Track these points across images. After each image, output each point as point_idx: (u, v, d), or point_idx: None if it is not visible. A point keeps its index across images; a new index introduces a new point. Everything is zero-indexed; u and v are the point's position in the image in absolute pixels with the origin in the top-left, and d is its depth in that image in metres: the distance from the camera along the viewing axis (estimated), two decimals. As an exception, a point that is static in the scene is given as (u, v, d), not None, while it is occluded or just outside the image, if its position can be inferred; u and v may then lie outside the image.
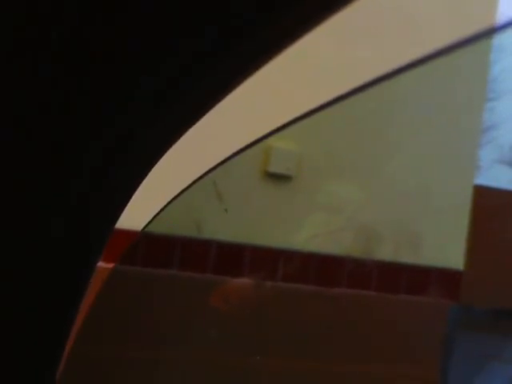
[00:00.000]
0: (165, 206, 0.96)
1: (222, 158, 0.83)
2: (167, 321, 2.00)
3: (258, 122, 0.77)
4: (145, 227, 1.10)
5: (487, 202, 2.47)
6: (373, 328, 2.23)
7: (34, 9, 0.35)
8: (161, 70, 0.40)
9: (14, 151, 0.41)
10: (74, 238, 0.46)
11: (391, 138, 2.36)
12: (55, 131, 0.41)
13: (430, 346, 2.39)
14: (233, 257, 2.18)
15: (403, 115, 2.38)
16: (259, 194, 2.23)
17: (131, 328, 1.90)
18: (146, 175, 0.48)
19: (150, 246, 2.02)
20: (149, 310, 1.97)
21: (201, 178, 0.86)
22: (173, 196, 0.92)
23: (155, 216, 1.01)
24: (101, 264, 0.52)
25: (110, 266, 1.18)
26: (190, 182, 0.87)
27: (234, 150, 0.81)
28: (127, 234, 0.96)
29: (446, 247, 2.47)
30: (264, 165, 2.21)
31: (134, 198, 0.49)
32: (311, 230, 2.26)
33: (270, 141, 2.13)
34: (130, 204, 0.49)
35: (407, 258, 2.40)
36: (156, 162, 0.47)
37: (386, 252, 2.39)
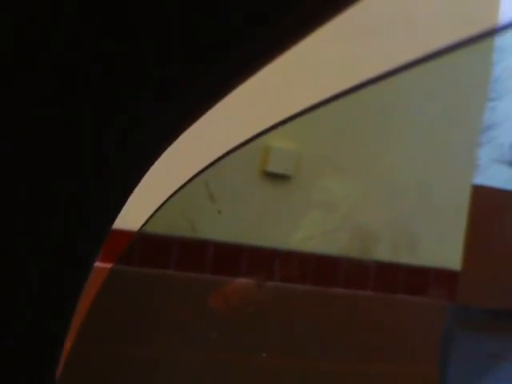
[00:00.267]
0: (160, 206, 0.96)
1: (216, 157, 0.82)
2: (165, 321, 2.00)
3: (256, 120, 0.77)
4: (141, 227, 1.09)
5: (485, 201, 2.47)
6: (370, 328, 2.23)
7: (34, 9, 0.35)
8: (160, 70, 0.40)
9: (14, 151, 0.41)
10: (72, 238, 0.46)
11: (390, 137, 2.37)
12: (54, 131, 0.41)
13: (428, 345, 2.39)
14: (230, 257, 2.18)
15: (402, 115, 2.38)
16: (257, 193, 2.23)
17: (130, 328, 1.90)
18: (143, 175, 0.48)
19: (147, 246, 2.02)
20: (147, 310, 1.96)
21: (196, 175, 0.86)
22: (168, 195, 0.92)
23: (151, 216, 1.00)
24: (98, 264, 0.52)
25: (108, 266, 1.18)
26: (185, 180, 0.87)
27: (229, 148, 0.81)
28: (124, 234, 0.96)
29: (444, 247, 2.47)
30: (262, 164, 2.21)
31: (130, 198, 0.49)
32: (309, 230, 2.26)
33: (269, 140, 2.13)
34: (126, 204, 0.49)
35: (405, 258, 2.40)
36: (153, 162, 0.47)
37: (383, 252, 2.39)
